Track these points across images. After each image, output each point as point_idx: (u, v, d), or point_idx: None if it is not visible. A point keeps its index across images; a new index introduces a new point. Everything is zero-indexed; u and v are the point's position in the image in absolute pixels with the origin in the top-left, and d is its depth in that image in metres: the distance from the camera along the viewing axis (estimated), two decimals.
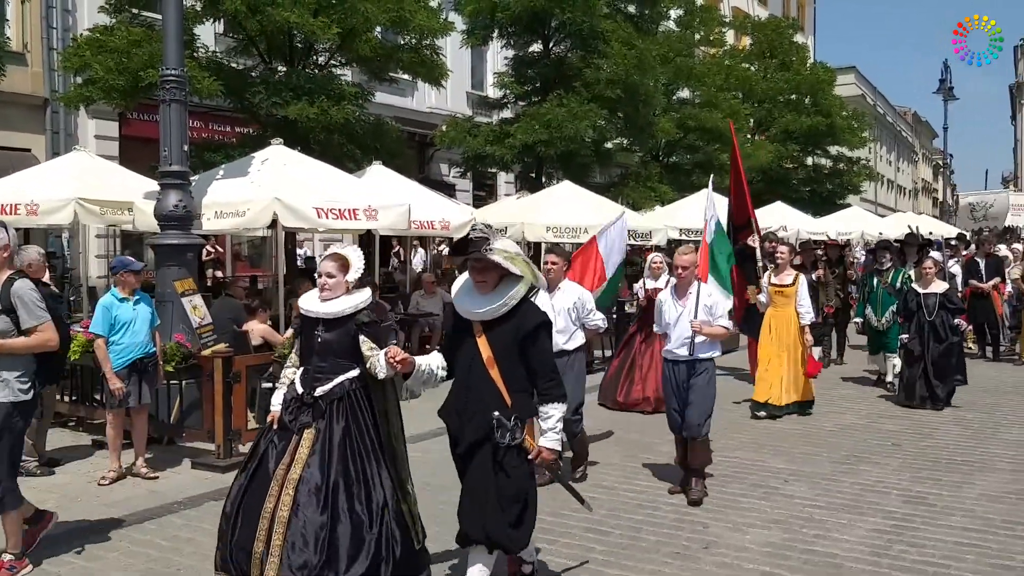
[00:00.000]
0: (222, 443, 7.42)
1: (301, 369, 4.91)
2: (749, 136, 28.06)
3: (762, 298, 9.95)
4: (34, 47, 16.06)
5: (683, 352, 6.54)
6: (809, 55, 36.31)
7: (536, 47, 18.50)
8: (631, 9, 20.30)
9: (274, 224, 9.95)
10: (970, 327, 14.80)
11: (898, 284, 10.92)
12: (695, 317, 6.44)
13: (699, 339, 6.44)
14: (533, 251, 19.86)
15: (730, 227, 10.38)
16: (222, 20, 14.24)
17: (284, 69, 13.46)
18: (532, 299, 4.51)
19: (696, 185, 21.27)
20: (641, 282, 10.59)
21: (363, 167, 13.49)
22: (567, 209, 14.40)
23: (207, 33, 14.59)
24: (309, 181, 10.09)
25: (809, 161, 32.29)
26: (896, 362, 11.02)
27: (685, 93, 24.70)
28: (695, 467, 6.69)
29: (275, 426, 4.83)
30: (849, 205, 30.11)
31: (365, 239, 17.86)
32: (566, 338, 6.81)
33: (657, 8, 20.99)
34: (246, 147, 12.58)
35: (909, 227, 18.19)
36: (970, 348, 14.73)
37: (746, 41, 33.83)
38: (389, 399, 4.91)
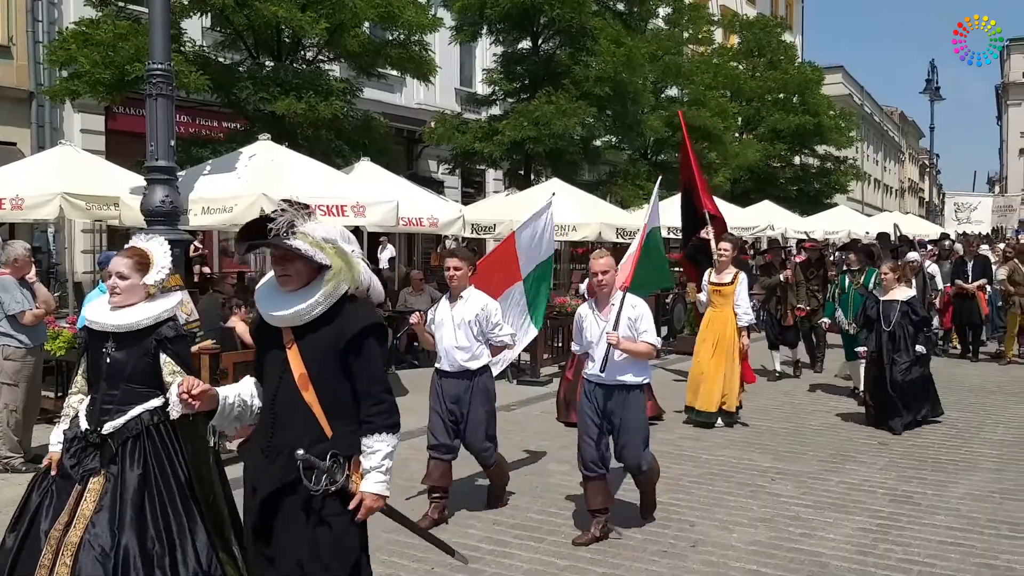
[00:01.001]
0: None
1: (88, 398, 3.91)
2: (737, 135, 28.13)
3: (702, 297, 9.60)
4: (19, 40, 15.92)
5: (605, 374, 5.66)
6: (797, 54, 36.43)
7: (525, 44, 18.49)
8: (620, 7, 20.34)
9: None
10: (948, 328, 14.87)
11: (871, 285, 10.17)
12: (616, 328, 5.58)
13: (617, 355, 5.57)
14: None
15: (690, 223, 10.21)
16: (209, 14, 14.15)
17: (272, 64, 13.39)
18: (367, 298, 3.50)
19: None
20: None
21: (351, 163, 13.44)
22: (555, 207, 14.35)
23: (194, 27, 14.51)
24: (296, 177, 10.04)
25: (797, 160, 32.41)
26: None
27: (674, 91, 24.74)
28: (646, 498, 6.12)
29: (53, 472, 3.79)
30: (836, 204, 30.26)
31: (354, 235, 17.79)
32: (467, 356, 6.03)
33: (646, 6, 21.02)
34: (233, 142, 12.52)
35: (896, 226, 18.22)
36: (955, 348, 14.80)
37: (734, 40, 33.90)
38: (197, 439, 3.95)
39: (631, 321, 5.64)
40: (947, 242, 16.76)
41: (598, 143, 20.08)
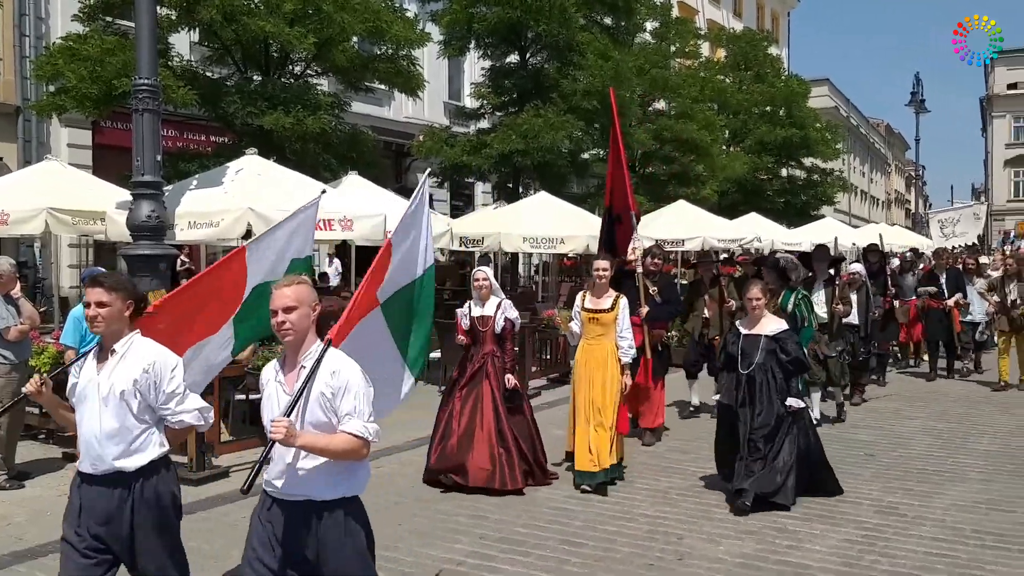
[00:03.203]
0: (195, 456, 7.36)
1: None
2: (724, 148, 28.28)
3: (574, 327, 7.60)
4: (6, 55, 15.91)
5: (282, 484, 3.49)
6: (783, 67, 36.66)
7: (513, 58, 18.58)
8: (607, 21, 20.43)
9: (248, 235, 9.89)
10: (917, 342, 14.02)
11: (789, 307, 8.44)
12: (290, 412, 3.32)
13: (301, 458, 3.44)
14: (511, 259, 20.01)
15: (607, 216, 8.70)
16: (197, 29, 14.18)
17: (260, 78, 13.42)
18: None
19: (672, 196, 21.41)
20: (466, 307, 7.62)
21: (339, 177, 13.46)
22: (544, 219, 14.44)
23: (182, 42, 14.54)
24: (283, 191, 10.05)
25: (783, 172, 32.57)
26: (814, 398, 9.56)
27: (661, 104, 24.86)
28: None
29: None
30: (823, 216, 30.40)
31: (342, 249, 17.81)
32: (121, 449, 3.68)
33: (633, 20, 21.13)
34: (221, 157, 12.53)
35: (880, 235, 18.01)
36: (922, 359, 14.22)
37: (721, 53, 34.10)
38: None
39: (325, 397, 3.44)
40: (908, 254, 16.22)
41: (586, 156, 20.16)
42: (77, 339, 6.98)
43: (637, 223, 8.49)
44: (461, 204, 25.91)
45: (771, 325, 6.91)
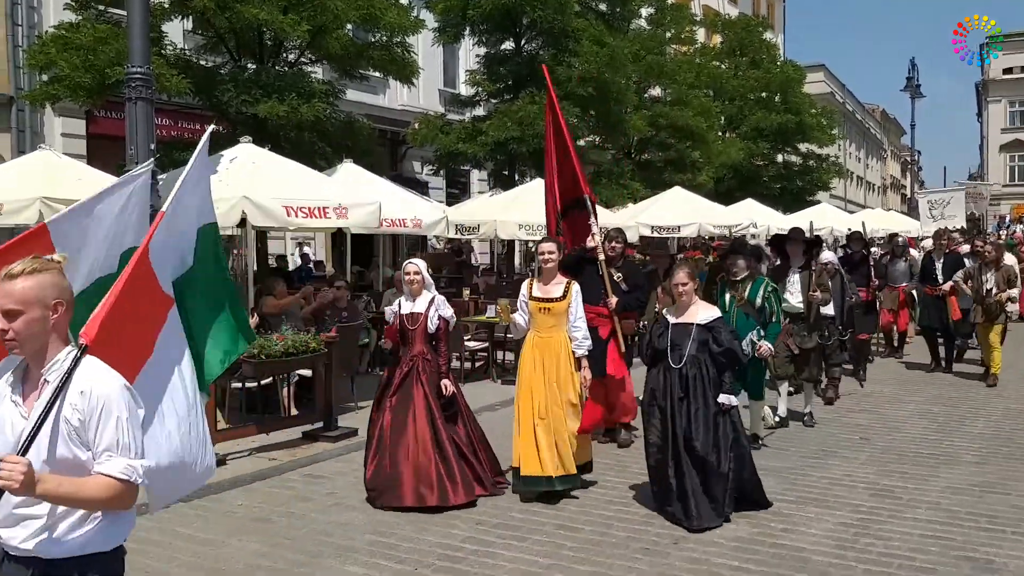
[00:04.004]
0: None
1: None
2: (720, 134, 28.28)
3: (519, 319, 6.79)
4: None
5: (9, 534, 2.57)
6: (779, 53, 36.61)
7: (508, 45, 18.52)
8: (602, 7, 20.41)
9: (243, 223, 9.88)
10: (903, 331, 13.52)
11: (758, 301, 7.69)
12: (28, 447, 2.41)
13: (28, 509, 2.53)
14: (507, 249, 20.01)
15: (553, 208, 7.88)
16: (191, 17, 14.10)
17: (254, 67, 13.37)
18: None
19: (668, 183, 21.44)
20: (395, 303, 6.93)
21: (334, 165, 13.43)
22: (540, 207, 14.38)
23: (176, 30, 14.46)
24: (278, 179, 10.03)
25: (779, 158, 32.58)
26: (769, 411, 8.76)
27: (656, 91, 24.84)
28: None
29: None
30: (819, 202, 30.43)
31: (337, 237, 17.80)
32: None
33: (628, 6, 21.10)
34: (215, 145, 12.48)
35: (863, 222, 17.70)
36: (906, 351, 13.65)
37: (717, 39, 34.06)
38: None
39: (72, 426, 2.52)
40: (899, 239, 14.85)
41: (582, 143, 20.13)
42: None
43: (594, 209, 7.77)
44: (457, 192, 25.88)
45: (702, 313, 6.20)
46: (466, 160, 18.63)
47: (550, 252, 6.67)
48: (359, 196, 10.78)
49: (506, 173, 18.81)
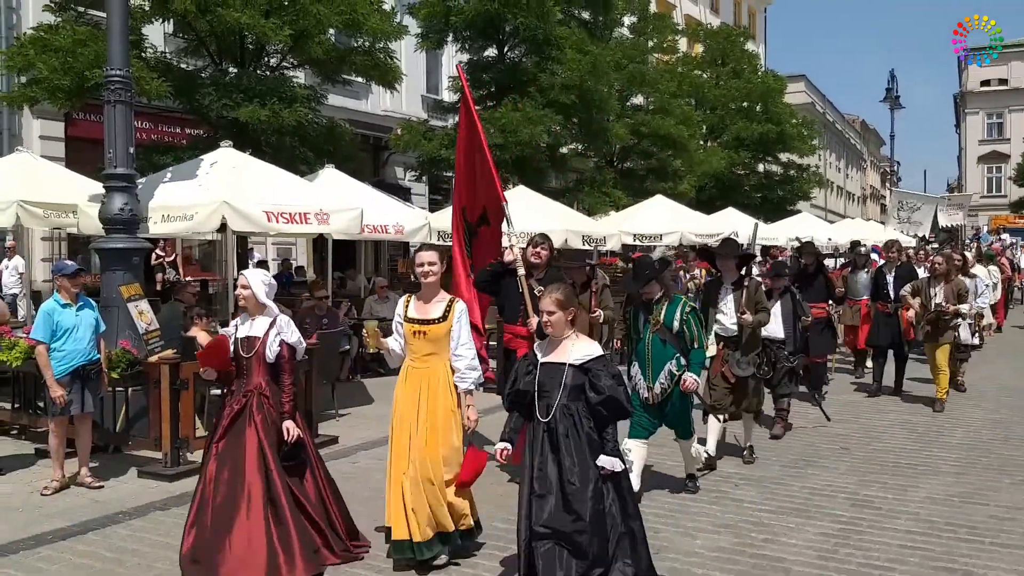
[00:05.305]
0: (169, 451, 7.30)
1: None
2: (702, 143, 28.41)
3: (392, 344, 5.55)
4: None
5: None
6: (760, 63, 36.84)
7: (491, 52, 18.52)
8: (585, 16, 20.43)
9: (223, 228, 9.81)
10: (861, 350, 12.56)
11: (675, 324, 6.52)
12: None
13: None
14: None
15: (463, 222, 7.09)
16: (171, 20, 14.02)
17: (235, 70, 13.29)
18: None
19: (650, 191, 21.50)
20: (231, 325, 5.76)
21: (316, 170, 13.36)
22: (522, 214, 14.38)
23: (156, 33, 14.36)
24: (259, 184, 9.96)
25: (760, 168, 32.76)
26: (695, 449, 7.15)
27: (639, 99, 24.93)
28: None
29: None
30: (799, 211, 30.60)
31: (319, 243, 17.71)
32: None
33: (611, 15, 21.15)
34: (196, 149, 12.40)
35: (810, 235, 16.56)
36: (867, 368, 12.65)
37: (698, 49, 34.23)
38: None
39: None
40: (861, 248, 13.78)
41: (564, 150, 20.17)
42: (48, 334, 6.88)
43: (508, 211, 6.83)
44: (440, 198, 25.81)
45: (578, 349, 4.69)
46: (449, 166, 18.55)
47: (430, 263, 5.39)
48: (341, 202, 10.72)
49: None
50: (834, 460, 8.06)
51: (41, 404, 7.86)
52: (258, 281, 5.42)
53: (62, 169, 12.36)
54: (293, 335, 5.48)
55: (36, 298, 13.69)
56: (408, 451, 5.24)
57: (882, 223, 38.15)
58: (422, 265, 5.40)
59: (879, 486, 7.19)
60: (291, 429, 5.26)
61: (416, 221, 13.27)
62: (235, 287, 5.67)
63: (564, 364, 4.65)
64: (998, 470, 7.71)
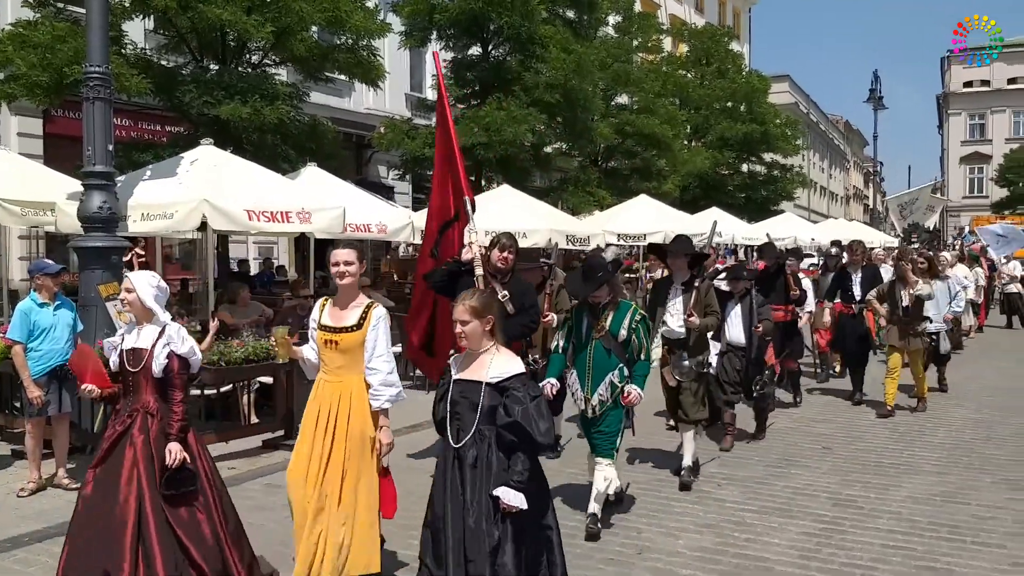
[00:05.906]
0: None
1: None
2: (686, 143, 28.47)
3: (308, 353, 4.94)
4: None
5: None
6: (744, 63, 36.98)
7: (475, 50, 18.47)
8: (570, 14, 20.42)
9: (204, 227, 9.71)
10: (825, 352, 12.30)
11: (622, 332, 5.92)
12: None
13: None
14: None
15: (437, 222, 6.85)
16: (152, 17, 13.90)
17: (216, 67, 13.20)
18: None
19: (634, 190, 21.52)
20: (118, 335, 5.04)
21: (298, 168, 13.28)
22: (506, 213, 14.37)
23: (136, 30, 14.23)
24: (240, 182, 9.88)
25: (744, 168, 32.88)
26: (608, 474, 6.00)
27: (623, 99, 24.95)
28: None
29: None
30: (783, 211, 30.74)
31: (300, 242, 17.59)
32: None
33: (595, 14, 21.15)
34: (177, 147, 12.31)
35: (767, 233, 16.22)
36: (835, 371, 12.54)
37: (683, 48, 34.31)
38: None
39: None
40: (834, 250, 13.49)
41: (549, 150, 20.15)
42: (24, 334, 6.79)
43: (473, 210, 6.42)
44: (423, 197, 25.72)
45: (496, 366, 4.08)
46: (432, 165, 18.53)
47: (346, 262, 4.72)
48: (323, 200, 10.65)
49: (473, 179, 18.71)
50: (816, 460, 8.07)
51: (18, 404, 7.76)
52: (144, 284, 4.70)
53: (39, 166, 12.20)
54: (184, 345, 4.70)
55: (13, 297, 13.54)
56: (313, 478, 4.62)
57: (865, 223, 38.37)
58: (337, 264, 4.73)
59: (861, 485, 7.19)
60: (174, 452, 4.47)
61: (399, 220, 13.21)
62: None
63: (480, 383, 4.06)
64: (980, 469, 7.74)
